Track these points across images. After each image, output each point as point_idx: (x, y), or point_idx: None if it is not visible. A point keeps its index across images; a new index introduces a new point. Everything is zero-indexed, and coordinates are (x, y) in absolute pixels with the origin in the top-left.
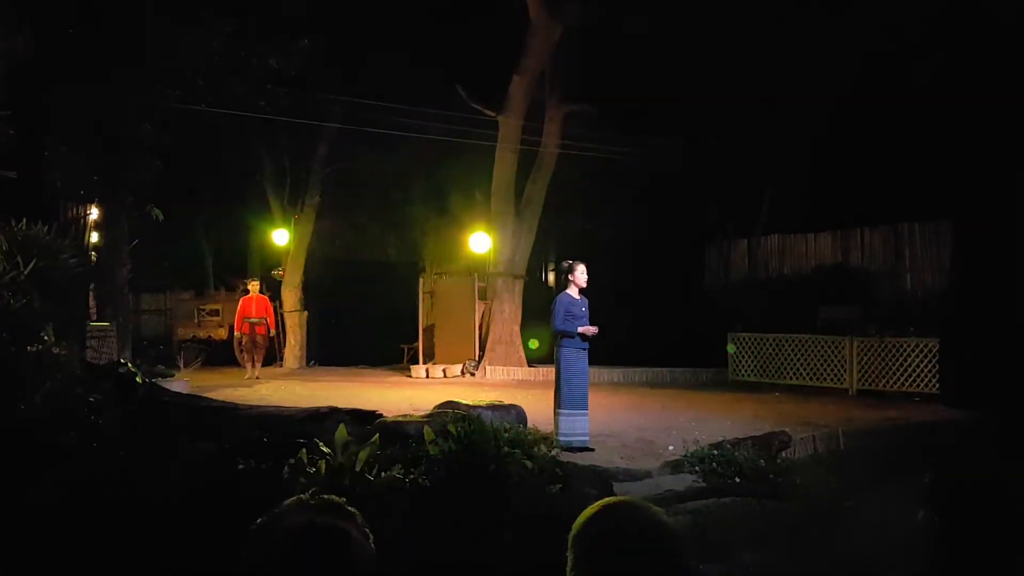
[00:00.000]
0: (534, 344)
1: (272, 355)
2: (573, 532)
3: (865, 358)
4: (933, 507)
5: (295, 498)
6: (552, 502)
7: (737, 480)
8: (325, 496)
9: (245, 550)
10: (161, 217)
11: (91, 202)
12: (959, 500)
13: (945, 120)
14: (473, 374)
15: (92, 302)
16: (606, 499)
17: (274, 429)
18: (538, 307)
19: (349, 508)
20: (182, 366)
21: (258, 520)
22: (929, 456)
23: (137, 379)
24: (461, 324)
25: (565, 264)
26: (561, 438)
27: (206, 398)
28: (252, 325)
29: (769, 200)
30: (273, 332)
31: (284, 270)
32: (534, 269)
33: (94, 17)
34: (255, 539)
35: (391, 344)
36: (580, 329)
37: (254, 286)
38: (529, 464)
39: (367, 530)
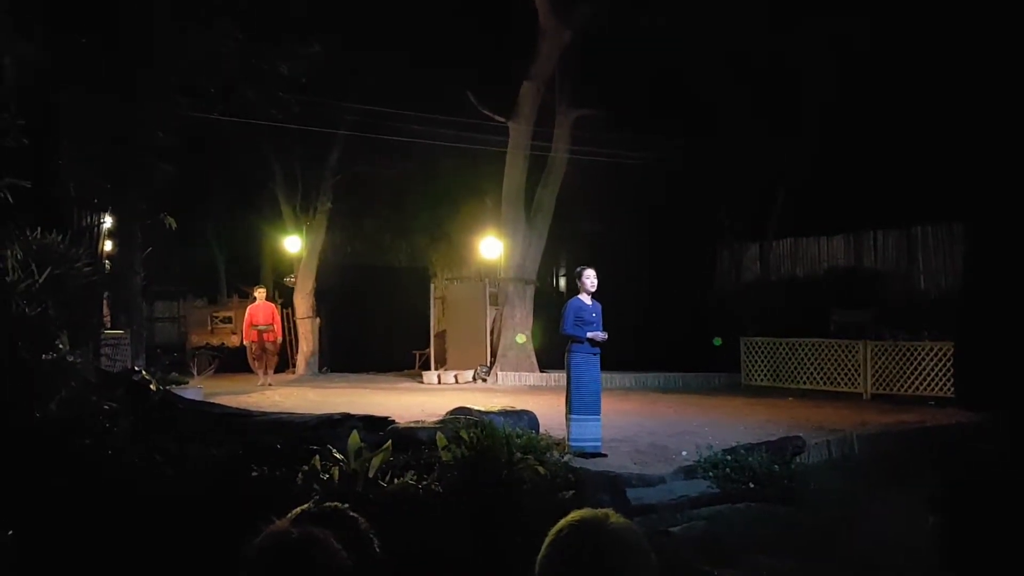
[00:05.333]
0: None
1: (285, 362)
2: (539, 558)
3: (879, 362)
4: (947, 511)
5: (299, 508)
6: (565, 508)
7: (751, 485)
8: (328, 504)
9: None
10: (174, 225)
11: (105, 210)
12: (973, 504)
13: (958, 122)
14: (485, 380)
15: (106, 310)
16: (572, 515)
17: (287, 436)
18: (550, 312)
19: (352, 514)
20: (195, 373)
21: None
22: (944, 460)
23: (151, 386)
24: (472, 330)
25: (577, 270)
26: (572, 443)
27: (219, 405)
28: (260, 332)
29: (781, 203)
30: (280, 338)
31: (296, 277)
32: (545, 274)
33: (106, 23)
34: (245, 553)
35: (403, 350)
36: (589, 335)
37: (261, 293)
38: (541, 470)
39: (371, 536)
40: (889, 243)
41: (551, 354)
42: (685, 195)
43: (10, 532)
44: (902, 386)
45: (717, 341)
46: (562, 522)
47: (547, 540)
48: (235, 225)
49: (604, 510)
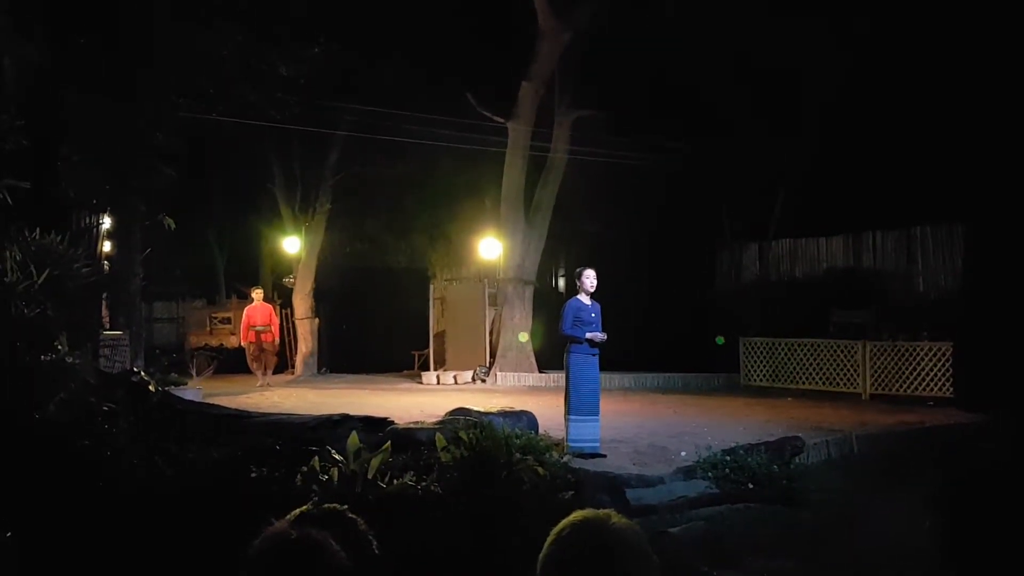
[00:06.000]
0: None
1: (284, 362)
2: (540, 556)
3: (878, 362)
4: (946, 511)
5: (298, 510)
6: (564, 509)
7: (750, 486)
8: (327, 505)
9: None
10: (173, 226)
11: (104, 211)
12: (973, 504)
13: (957, 122)
14: (484, 380)
15: (105, 311)
16: (574, 515)
17: (286, 437)
18: (549, 313)
19: (351, 516)
20: (194, 374)
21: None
22: (943, 460)
23: (150, 387)
24: (471, 330)
25: (577, 270)
26: (571, 444)
27: (218, 406)
28: (258, 333)
29: (781, 203)
30: (278, 339)
31: (295, 278)
32: (544, 275)
33: (106, 23)
34: (245, 556)
35: (402, 350)
36: (588, 335)
37: (258, 294)
38: (541, 471)
39: (370, 537)
40: (888, 243)
41: (550, 354)
42: (685, 195)
43: (8, 534)
44: (901, 386)
45: (720, 340)
46: (564, 522)
47: (549, 539)
48: (234, 226)
49: (606, 510)
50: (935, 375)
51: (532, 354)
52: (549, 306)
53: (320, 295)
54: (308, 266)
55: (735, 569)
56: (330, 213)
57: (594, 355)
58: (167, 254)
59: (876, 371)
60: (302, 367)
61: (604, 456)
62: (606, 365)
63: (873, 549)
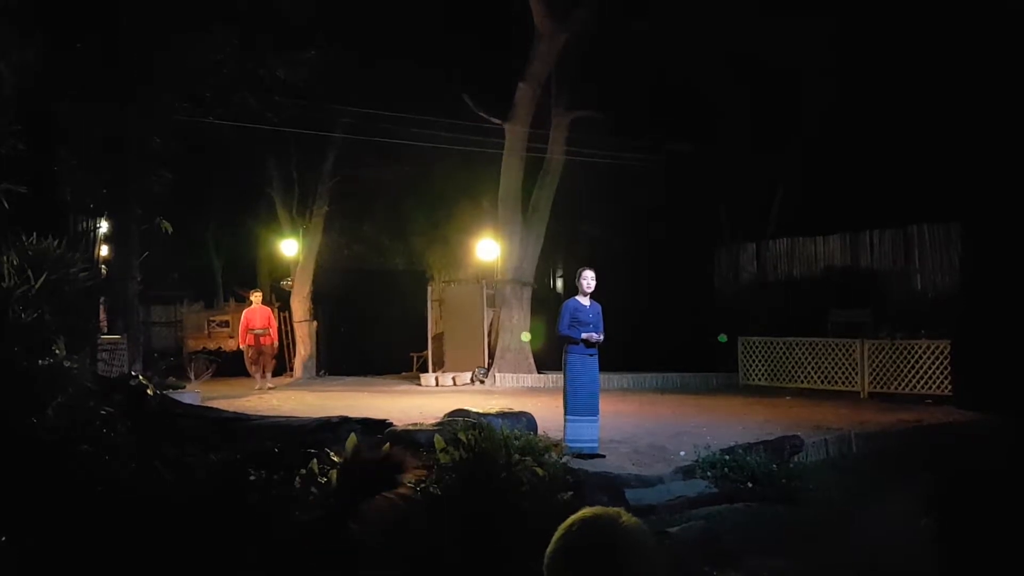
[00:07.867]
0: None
1: (283, 365)
2: (548, 552)
3: (877, 360)
4: (943, 511)
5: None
6: (564, 509)
7: (749, 485)
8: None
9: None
10: (170, 229)
11: (101, 215)
12: (969, 503)
13: (955, 121)
14: (483, 382)
15: (103, 315)
16: (583, 512)
17: (285, 439)
18: (547, 314)
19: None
20: (193, 377)
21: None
22: (942, 459)
23: (148, 391)
24: (470, 332)
25: (577, 271)
26: (569, 444)
27: (217, 409)
28: (257, 336)
29: (778, 203)
30: (276, 342)
31: (293, 280)
32: (543, 276)
33: (104, 29)
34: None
35: (400, 352)
36: (583, 335)
37: (256, 297)
38: (540, 472)
39: None
40: (886, 242)
41: (549, 355)
42: (682, 195)
43: (4, 538)
44: (899, 385)
45: (723, 338)
46: (573, 518)
47: (557, 535)
48: (232, 229)
49: (615, 508)
50: (933, 373)
51: (531, 355)
52: (547, 307)
53: (318, 298)
54: (306, 269)
55: (734, 568)
56: (328, 215)
57: (592, 355)
58: (165, 258)
59: (874, 370)
60: (300, 370)
61: (603, 456)
62: (605, 365)
63: (871, 548)
